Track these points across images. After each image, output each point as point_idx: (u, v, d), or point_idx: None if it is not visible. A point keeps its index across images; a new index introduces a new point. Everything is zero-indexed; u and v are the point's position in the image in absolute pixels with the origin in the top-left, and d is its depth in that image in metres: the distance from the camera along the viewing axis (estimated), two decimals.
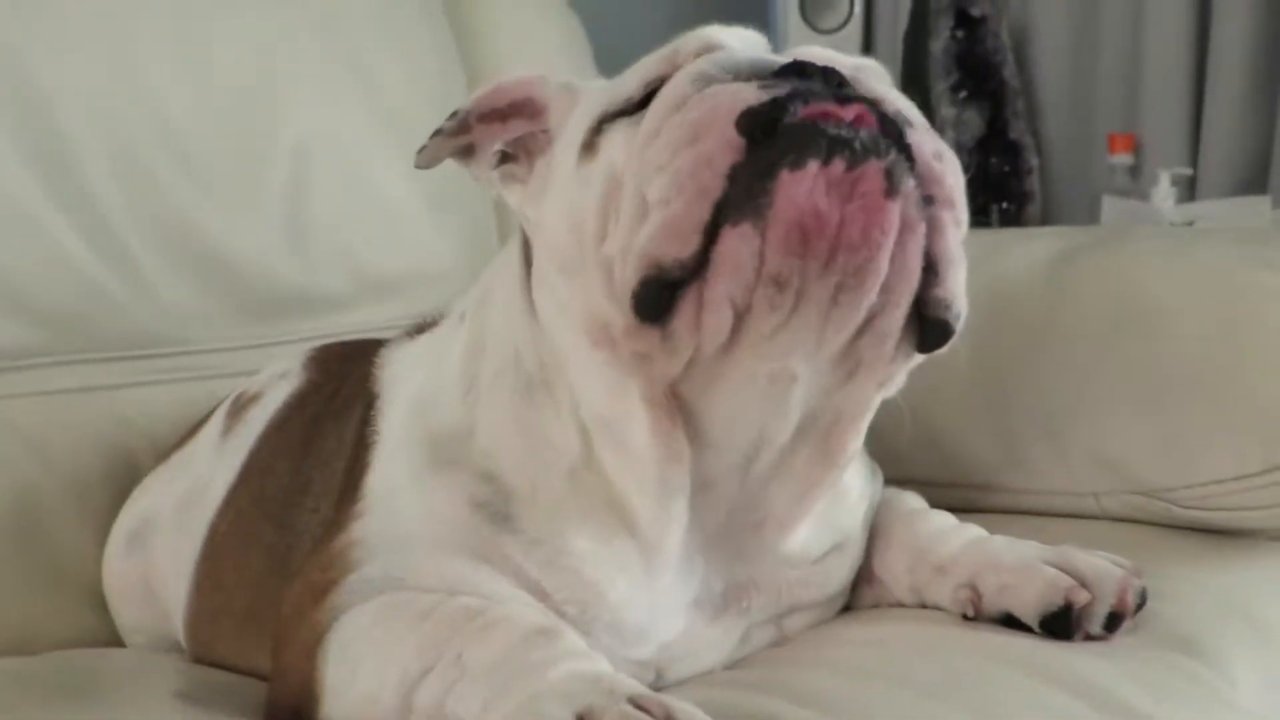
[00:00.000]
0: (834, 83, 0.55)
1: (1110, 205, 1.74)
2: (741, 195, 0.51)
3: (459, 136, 0.68)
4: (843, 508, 0.71)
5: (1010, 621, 0.69)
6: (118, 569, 0.94)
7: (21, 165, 0.99)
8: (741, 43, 0.61)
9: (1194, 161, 1.82)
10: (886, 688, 0.62)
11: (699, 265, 0.53)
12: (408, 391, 0.71)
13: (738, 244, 0.52)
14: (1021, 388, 0.89)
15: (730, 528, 0.66)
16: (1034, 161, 1.93)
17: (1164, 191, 1.73)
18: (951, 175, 0.56)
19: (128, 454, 1.02)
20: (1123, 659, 0.66)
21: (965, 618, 0.71)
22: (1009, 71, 1.93)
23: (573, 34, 1.51)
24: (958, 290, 0.57)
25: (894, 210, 0.52)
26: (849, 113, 0.52)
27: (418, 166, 0.69)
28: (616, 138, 0.59)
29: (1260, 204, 1.60)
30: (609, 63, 1.51)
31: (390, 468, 0.68)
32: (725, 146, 0.52)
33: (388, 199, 1.21)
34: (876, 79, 0.59)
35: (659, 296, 0.54)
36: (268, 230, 1.13)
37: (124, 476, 1.00)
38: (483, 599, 0.61)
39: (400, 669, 0.58)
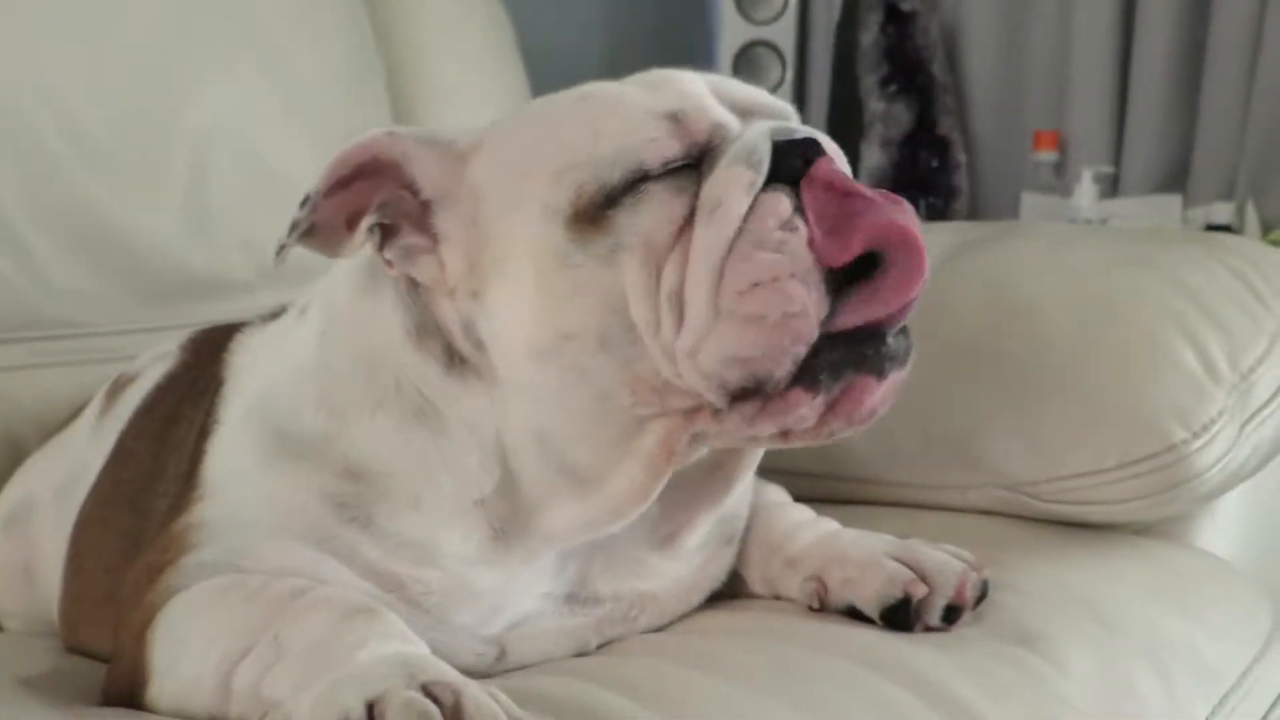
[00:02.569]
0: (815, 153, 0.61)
1: (1030, 201, 1.76)
2: (824, 372, 0.59)
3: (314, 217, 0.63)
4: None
5: (856, 614, 0.70)
6: None
7: None
8: (709, 86, 0.64)
9: (1117, 160, 1.84)
10: (716, 679, 0.62)
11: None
12: (253, 381, 0.71)
13: (807, 409, 0.60)
14: None
15: (615, 540, 0.68)
16: (962, 157, 1.94)
17: (1086, 189, 1.75)
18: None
19: (13, 438, 1.00)
20: (958, 650, 0.67)
21: (812, 610, 0.72)
22: (938, 67, 1.94)
23: (496, 20, 1.50)
24: None
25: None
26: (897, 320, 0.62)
27: (278, 266, 0.64)
28: (643, 217, 0.60)
29: (1172, 203, 1.62)
30: (535, 50, 1.52)
31: (231, 454, 0.68)
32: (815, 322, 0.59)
33: (293, 183, 1.19)
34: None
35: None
36: (167, 213, 1.12)
37: (8, 460, 0.98)
38: (310, 581, 0.61)
39: (222, 651, 0.58)
